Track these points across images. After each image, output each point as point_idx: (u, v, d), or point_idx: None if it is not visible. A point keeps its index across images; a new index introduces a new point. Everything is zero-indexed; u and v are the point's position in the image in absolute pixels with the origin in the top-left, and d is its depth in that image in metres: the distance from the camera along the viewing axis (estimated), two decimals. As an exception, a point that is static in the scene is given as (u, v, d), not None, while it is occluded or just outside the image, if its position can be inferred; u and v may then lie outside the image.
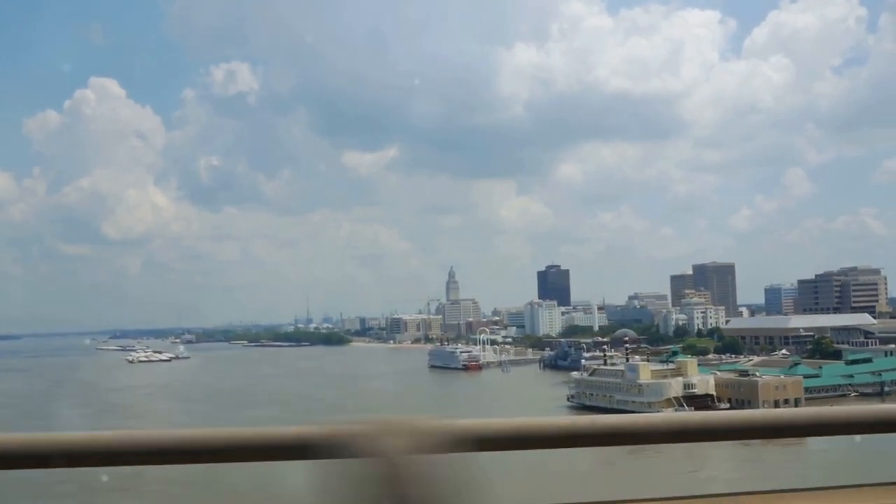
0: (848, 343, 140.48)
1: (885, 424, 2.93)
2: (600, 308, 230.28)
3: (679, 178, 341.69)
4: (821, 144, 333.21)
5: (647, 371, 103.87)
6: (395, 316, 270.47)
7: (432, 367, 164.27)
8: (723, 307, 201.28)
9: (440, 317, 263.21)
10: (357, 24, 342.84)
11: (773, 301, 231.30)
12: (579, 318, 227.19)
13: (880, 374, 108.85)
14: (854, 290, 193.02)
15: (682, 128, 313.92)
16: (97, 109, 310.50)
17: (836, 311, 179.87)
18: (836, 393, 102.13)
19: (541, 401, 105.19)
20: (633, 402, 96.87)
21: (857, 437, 2.93)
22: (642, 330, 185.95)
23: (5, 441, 2.36)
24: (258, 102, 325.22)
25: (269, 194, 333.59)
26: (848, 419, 2.90)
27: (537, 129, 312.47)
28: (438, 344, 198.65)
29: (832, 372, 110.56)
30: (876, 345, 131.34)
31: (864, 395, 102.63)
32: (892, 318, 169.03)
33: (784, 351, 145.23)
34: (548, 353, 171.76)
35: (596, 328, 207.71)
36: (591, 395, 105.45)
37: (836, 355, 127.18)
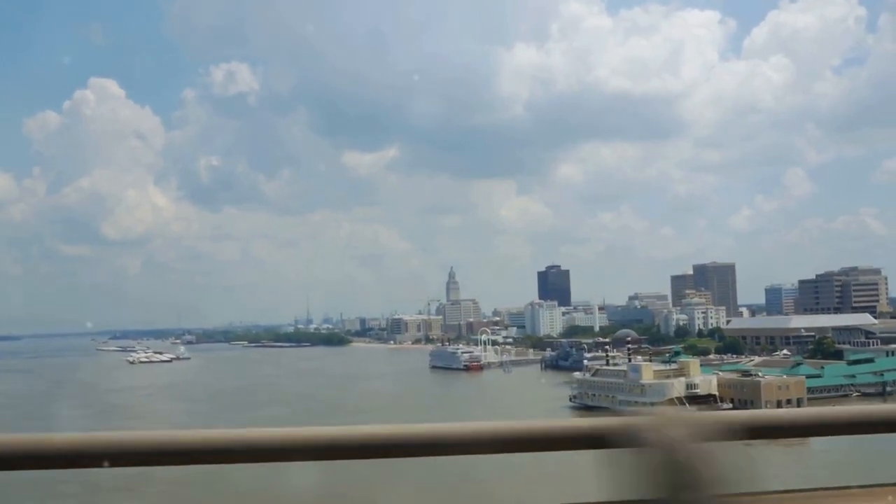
0: (849, 343, 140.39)
1: (888, 425, 2.90)
2: (601, 308, 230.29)
3: (679, 178, 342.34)
4: (821, 144, 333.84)
5: (649, 371, 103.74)
6: (396, 316, 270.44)
7: (433, 367, 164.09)
8: (723, 307, 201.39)
9: (441, 317, 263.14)
10: (357, 24, 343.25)
11: (774, 301, 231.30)
12: (580, 319, 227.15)
13: (882, 375, 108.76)
14: (855, 290, 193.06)
15: (682, 128, 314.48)
16: (97, 110, 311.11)
17: (837, 311, 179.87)
18: (838, 393, 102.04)
19: (543, 401, 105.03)
20: (636, 402, 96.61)
21: (860, 438, 2.93)
22: (643, 330, 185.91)
23: (6, 442, 2.35)
24: (258, 102, 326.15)
25: (269, 194, 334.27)
26: (850, 419, 2.88)
27: (537, 129, 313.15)
28: (439, 344, 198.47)
29: (834, 372, 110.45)
30: (877, 345, 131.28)
31: (866, 395, 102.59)
32: (892, 318, 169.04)
33: (785, 351, 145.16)
34: (549, 353, 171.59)
35: (597, 328, 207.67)
36: (594, 395, 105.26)
37: (838, 355, 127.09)
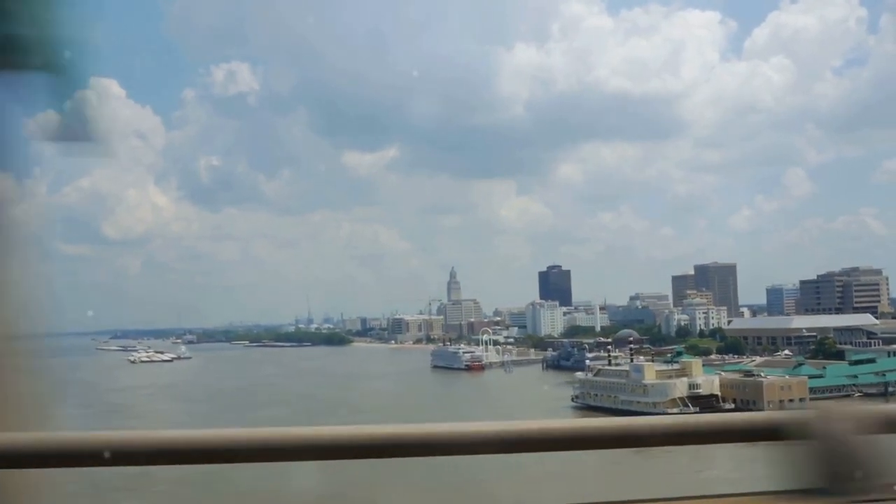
0: (851, 343, 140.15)
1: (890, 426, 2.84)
2: (602, 308, 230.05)
3: (679, 178, 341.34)
4: (821, 144, 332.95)
5: (651, 371, 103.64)
6: (397, 316, 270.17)
7: (435, 367, 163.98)
8: (724, 307, 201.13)
9: (441, 317, 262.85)
10: (357, 24, 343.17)
11: (775, 301, 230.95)
12: (581, 319, 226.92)
13: (884, 375, 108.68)
14: (856, 291, 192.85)
15: (682, 128, 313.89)
16: (97, 110, 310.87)
17: (839, 311, 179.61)
18: (840, 393, 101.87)
19: (545, 401, 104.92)
20: (638, 402, 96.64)
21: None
22: (644, 330, 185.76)
23: (7, 441, 2.35)
24: (258, 102, 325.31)
25: (269, 194, 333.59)
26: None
27: (537, 129, 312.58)
28: (440, 344, 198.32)
29: (836, 372, 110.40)
30: (879, 345, 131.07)
31: (868, 396, 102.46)
32: (894, 318, 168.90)
33: (787, 351, 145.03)
34: (550, 353, 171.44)
35: (598, 328, 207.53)
36: (596, 395, 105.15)
37: (839, 356, 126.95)
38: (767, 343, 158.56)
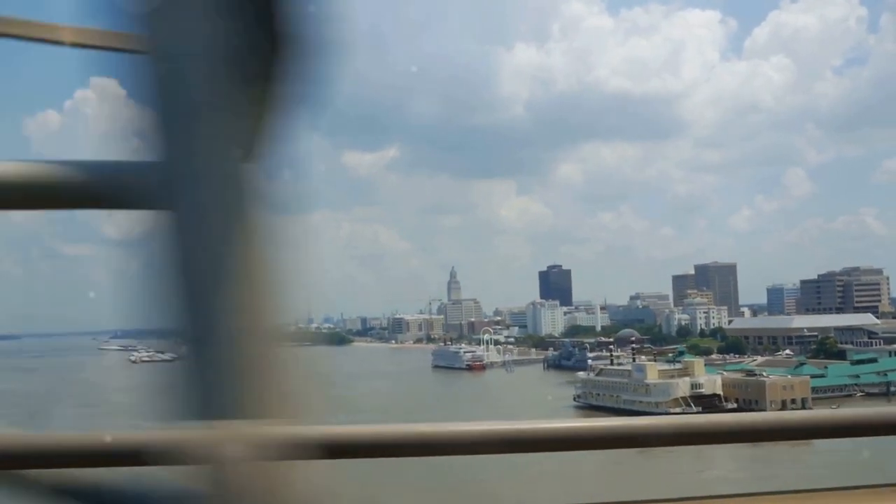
0: (852, 343, 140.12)
1: (892, 427, 2.85)
2: (602, 308, 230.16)
3: (679, 178, 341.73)
4: (821, 144, 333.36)
5: (654, 371, 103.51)
6: (397, 316, 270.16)
7: (436, 367, 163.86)
8: (725, 307, 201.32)
9: (442, 317, 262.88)
10: (357, 23, 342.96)
11: (776, 301, 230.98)
12: (581, 318, 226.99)
13: (886, 375, 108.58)
14: (857, 291, 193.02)
15: (682, 128, 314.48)
16: (98, 110, 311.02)
17: (839, 311, 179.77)
18: (842, 393, 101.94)
19: (546, 401, 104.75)
20: (641, 402, 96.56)
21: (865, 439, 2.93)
22: (645, 330, 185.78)
23: (9, 441, 2.35)
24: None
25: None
26: (855, 422, 2.86)
27: (537, 129, 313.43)
28: (441, 344, 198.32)
29: (838, 372, 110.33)
30: (880, 345, 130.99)
31: (870, 395, 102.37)
32: (894, 318, 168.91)
33: (788, 351, 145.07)
34: (551, 353, 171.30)
35: (598, 328, 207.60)
36: (598, 395, 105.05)
37: (841, 355, 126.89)
38: (768, 343, 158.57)
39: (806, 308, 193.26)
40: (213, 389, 1.93)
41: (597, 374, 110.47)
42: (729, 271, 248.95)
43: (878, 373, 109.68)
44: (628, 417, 2.96)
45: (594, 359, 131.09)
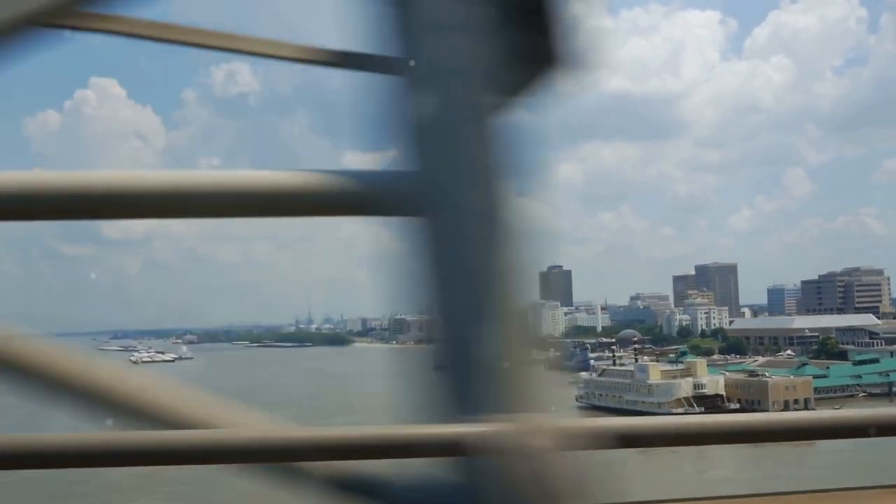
0: (853, 343, 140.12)
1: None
2: (603, 308, 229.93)
3: (679, 178, 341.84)
4: (821, 144, 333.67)
5: (656, 372, 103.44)
6: (398, 316, 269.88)
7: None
8: (726, 307, 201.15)
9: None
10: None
11: (776, 301, 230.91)
12: (582, 319, 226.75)
13: (888, 375, 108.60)
14: (857, 291, 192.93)
15: (682, 128, 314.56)
16: (98, 110, 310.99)
17: (840, 311, 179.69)
18: (844, 393, 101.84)
19: (548, 401, 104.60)
20: (643, 402, 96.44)
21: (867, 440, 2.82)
22: (646, 330, 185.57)
23: (11, 441, 2.35)
24: (258, 103, 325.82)
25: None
26: (858, 423, 2.78)
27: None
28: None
29: (840, 372, 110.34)
30: (881, 345, 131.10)
31: (872, 396, 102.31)
32: (895, 318, 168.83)
33: (789, 351, 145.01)
34: (552, 353, 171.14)
35: (599, 329, 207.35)
36: (601, 395, 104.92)
37: (842, 356, 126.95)
38: (769, 343, 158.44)
39: (807, 308, 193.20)
40: (479, 386, 2.12)
41: (599, 375, 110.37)
42: (729, 271, 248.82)
43: (880, 373, 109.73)
44: (631, 418, 2.88)
45: (595, 359, 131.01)
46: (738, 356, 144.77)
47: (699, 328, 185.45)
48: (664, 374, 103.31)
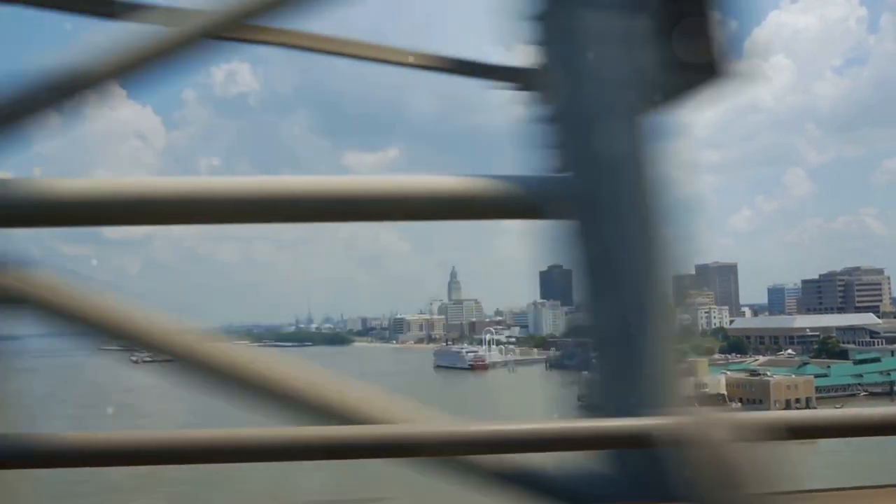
0: (854, 343, 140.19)
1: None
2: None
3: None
4: (821, 144, 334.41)
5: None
6: (398, 316, 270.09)
7: (438, 367, 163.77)
8: (726, 307, 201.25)
9: (443, 317, 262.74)
10: (358, 23, 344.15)
11: (776, 301, 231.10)
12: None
13: (889, 374, 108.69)
14: (858, 290, 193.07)
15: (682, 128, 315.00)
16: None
17: (840, 310, 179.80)
18: (845, 392, 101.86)
19: (550, 401, 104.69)
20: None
21: (869, 440, 2.96)
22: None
23: (11, 441, 2.39)
24: (259, 103, 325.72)
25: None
26: (860, 422, 2.86)
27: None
28: (443, 344, 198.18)
29: (841, 371, 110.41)
30: (882, 344, 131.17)
31: (873, 395, 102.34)
32: (895, 317, 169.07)
33: (790, 351, 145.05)
34: (554, 352, 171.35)
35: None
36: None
37: (843, 355, 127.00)
38: (770, 342, 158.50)
39: (807, 308, 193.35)
40: (644, 382, 2.20)
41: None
42: (729, 271, 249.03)
43: (881, 372, 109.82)
44: (632, 418, 2.88)
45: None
46: (738, 355, 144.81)
47: (699, 327, 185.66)
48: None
